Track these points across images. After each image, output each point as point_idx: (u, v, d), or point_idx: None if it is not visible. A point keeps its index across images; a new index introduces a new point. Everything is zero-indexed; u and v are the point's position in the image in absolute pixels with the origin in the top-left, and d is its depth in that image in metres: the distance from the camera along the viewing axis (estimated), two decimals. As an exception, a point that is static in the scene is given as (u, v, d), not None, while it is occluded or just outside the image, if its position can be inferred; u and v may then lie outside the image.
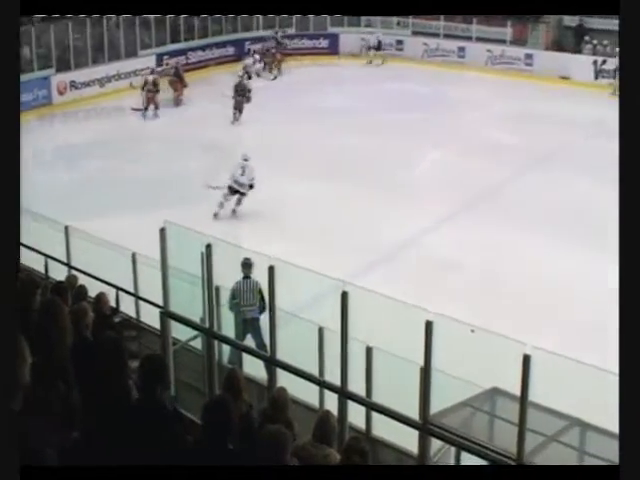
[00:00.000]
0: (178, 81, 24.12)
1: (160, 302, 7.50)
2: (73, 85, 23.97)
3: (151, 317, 8.36)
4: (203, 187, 15.46)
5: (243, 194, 15.38)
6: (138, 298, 9.05)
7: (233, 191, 15.36)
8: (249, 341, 9.06)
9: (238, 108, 21.80)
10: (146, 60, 26.18)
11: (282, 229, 14.05)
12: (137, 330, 7.98)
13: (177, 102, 23.84)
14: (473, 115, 21.77)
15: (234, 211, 15.46)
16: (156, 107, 22.55)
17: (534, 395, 5.72)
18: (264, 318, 8.55)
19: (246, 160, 15.49)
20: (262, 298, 9.14)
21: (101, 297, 7.92)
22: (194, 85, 24.67)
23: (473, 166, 17.41)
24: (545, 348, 5.58)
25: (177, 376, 7.00)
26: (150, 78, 22.66)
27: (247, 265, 9.59)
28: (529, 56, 27.15)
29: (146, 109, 22.48)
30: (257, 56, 27.10)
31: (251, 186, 15.35)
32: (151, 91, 22.51)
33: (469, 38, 28.67)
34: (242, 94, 21.95)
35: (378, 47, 29.20)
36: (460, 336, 6.69)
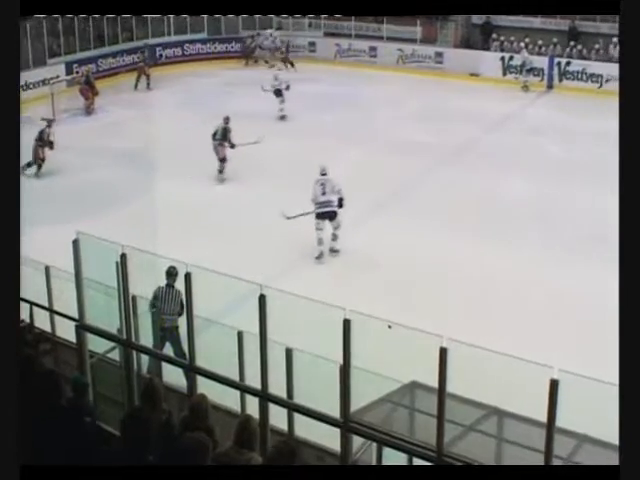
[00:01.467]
0: (89, 89, 23.67)
1: (75, 315, 7.37)
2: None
3: (67, 331, 8.20)
4: (282, 217, 13.16)
5: (334, 215, 13.34)
6: (52, 312, 8.87)
7: (322, 216, 13.28)
8: (168, 349, 8.99)
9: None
10: (55, 69, 25.66)
11: (199, 233, 13.96)
12: (52, 344, 7.81)
13: (89, 111, 23.40)
14: (386, 114, 22.06)
15: (334, 251, 13.44)
16: (42, 162, 18.06)
17: (452, 387, 5.84)
18: (183, 326, 8.50)
19: (324, 174, 13.54)
20: (182, 306, 8.98)
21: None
22: (105, 93, 24.30)
23: (387, 164, 17.63)
24: (460, 340, 5.69)
25: (95, 389, 6.89)
26: (47, 131, 18.32)
27: (171, 274, 9.38)
28: (439, 54, 27.66)
29: (29, 165, 17.67)
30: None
31: (341, 200, 13.34)
32: (40, 143, 18.12)
33: (380, 38, 29.05)
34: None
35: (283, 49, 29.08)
36: (378, 332, 6.78)
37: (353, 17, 29.18)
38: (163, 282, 9.55)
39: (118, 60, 28.18)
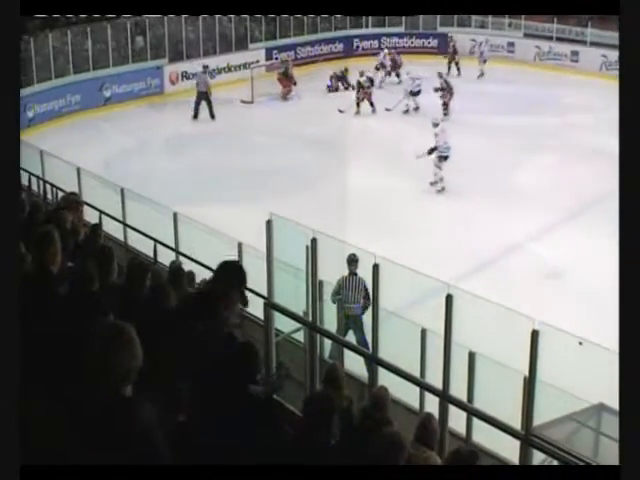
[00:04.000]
0: (286, 79, 24.29)
1: (264, 293, 7.56)
2: (185, 75, 24.54)
3: (254, 307, 8.43)
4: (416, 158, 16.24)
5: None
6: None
7: (446, 158, 16.25)
8: (350, 337, 9.05)
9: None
10: (256, 54, 26.63)
11: (387, 227, 14.02)
12: (241, 318, 8.07)
13: (285, 98, 24.02)
14: (586, 121, 21.15)
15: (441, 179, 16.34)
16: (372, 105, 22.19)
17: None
18: (367, 315, 8.53)
19: (438, 124, 16.55)
20: (367, 296, 9.00)
21: (202, 285, 8.05)
22: (301, 80, 24.87)
23: (584, 173, 16.90)
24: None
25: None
26: (364, 78, 22.36)
27: (353, 261, 9.36)
28: (647, 63, 26.16)
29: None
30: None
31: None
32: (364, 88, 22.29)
33: (583, 42, 27.89)
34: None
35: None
36: (566, 347, 6.51)
37: (555, 19, 28.20)
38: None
39: (316, 49, 28.81)
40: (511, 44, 29.30)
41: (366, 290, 9.04)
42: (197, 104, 21.69)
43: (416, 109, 22.25)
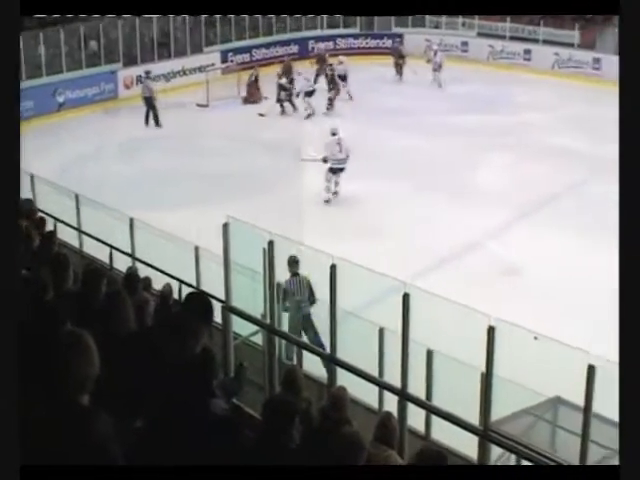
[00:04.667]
0: (255, 88, 24.15)
1: (221, 296, 7.55)
2: (139, 79, 24.29)
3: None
4: (300, 160, 16.25)
5: (343, 170, 15.53)
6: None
7: (335, 171, 15.49)
8: (303, 337, 9.08)
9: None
10: (211, 57, 26.50)
11: (345, 228, 14.06)
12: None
13: (248, 102, 23.90)
14: (539, 119, 21.43)
15: (336, 193, 15.64)
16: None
17: (598, 406, 5.61)
18: (324, 315, 8.55)
19: (336, 134, 15.65)
20: (311, 292, 9.32)
21: (166, 289, 8.01)
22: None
23: (538, 170, 17.13)
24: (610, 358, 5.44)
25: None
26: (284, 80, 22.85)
27: (294, 262, 9.49)
28: (597, 60, 26.47)
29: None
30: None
31: (347, 157, 15.55)
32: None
33: (536, 40, 28.22)
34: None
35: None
36: (522, 343, 6.59)
37: (508, 18, 28.47)
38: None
39: (271, 51, 28.75)
40: (465, 43, 29.52)
41: (309, 286, 9.30)
42: (147, 111, 21.55)
43: (311, 113, 22.33)
